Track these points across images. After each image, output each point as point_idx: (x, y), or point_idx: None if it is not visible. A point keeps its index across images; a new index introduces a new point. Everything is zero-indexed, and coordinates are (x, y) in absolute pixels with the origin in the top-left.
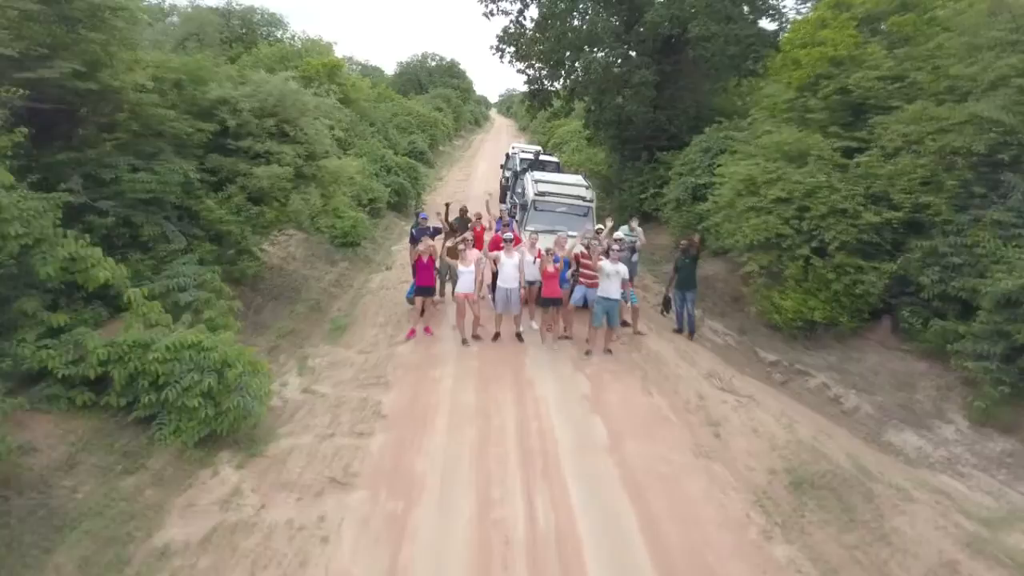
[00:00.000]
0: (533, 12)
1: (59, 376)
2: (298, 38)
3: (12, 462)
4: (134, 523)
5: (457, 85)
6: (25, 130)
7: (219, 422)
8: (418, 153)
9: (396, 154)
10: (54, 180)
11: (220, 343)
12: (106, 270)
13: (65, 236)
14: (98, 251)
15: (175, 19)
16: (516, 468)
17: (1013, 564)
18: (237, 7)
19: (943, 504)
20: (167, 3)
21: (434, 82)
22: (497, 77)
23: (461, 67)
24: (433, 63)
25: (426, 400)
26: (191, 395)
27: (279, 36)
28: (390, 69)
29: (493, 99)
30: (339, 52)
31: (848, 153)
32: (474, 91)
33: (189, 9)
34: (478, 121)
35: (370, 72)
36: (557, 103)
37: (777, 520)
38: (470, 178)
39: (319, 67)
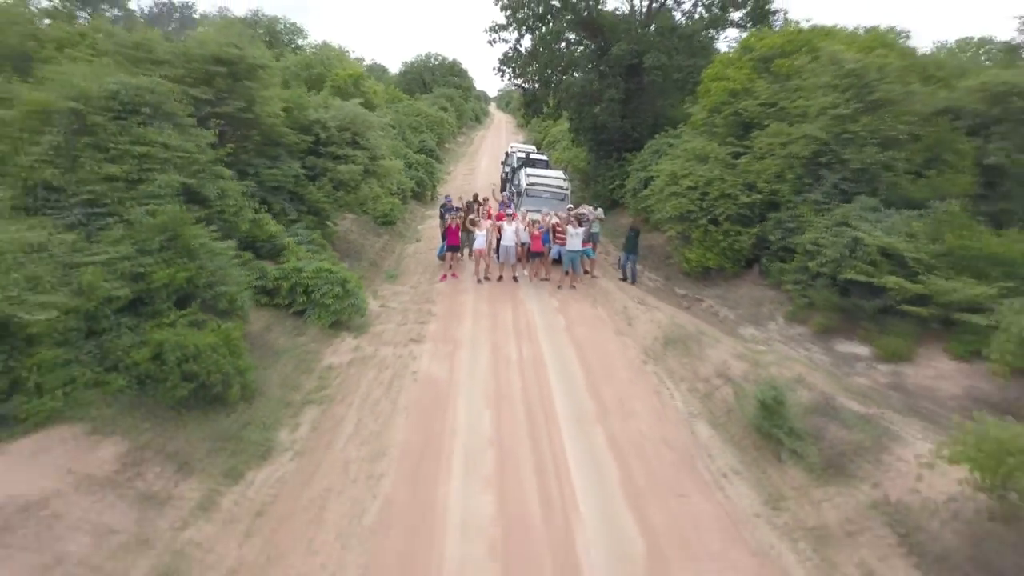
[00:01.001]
0: (527, 41)
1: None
2: (315, 45)
3: (250, 330)
4: (308, 356)
5: (458, 84)
6: (232, 145)
7: (342, 313)
8: (428, 150)
9: (413, 152)
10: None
11: (341, 269)
12: (272, 226)
13: (250, 207)
14: (268, 215)
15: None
16: (512, 335)
17: (756, 363)
18: (263, 17)
19: (738, 348)
20: (198, 13)
21: (437, 81)
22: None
23: (462, 66)
24: (436, 62)
25: (458, 309)
26: (326, 297)
27: (299, 43)
28: (392, 66)
29: (492, 92)
30: (350, 55)
31: (736, 156)
32: (474, 87)
33: (218, 17)
34: (478, 118)
35: (376, 71)
36: (547, 111)
37: (651, 356)
38: (474, 172)
39: (346, 78)
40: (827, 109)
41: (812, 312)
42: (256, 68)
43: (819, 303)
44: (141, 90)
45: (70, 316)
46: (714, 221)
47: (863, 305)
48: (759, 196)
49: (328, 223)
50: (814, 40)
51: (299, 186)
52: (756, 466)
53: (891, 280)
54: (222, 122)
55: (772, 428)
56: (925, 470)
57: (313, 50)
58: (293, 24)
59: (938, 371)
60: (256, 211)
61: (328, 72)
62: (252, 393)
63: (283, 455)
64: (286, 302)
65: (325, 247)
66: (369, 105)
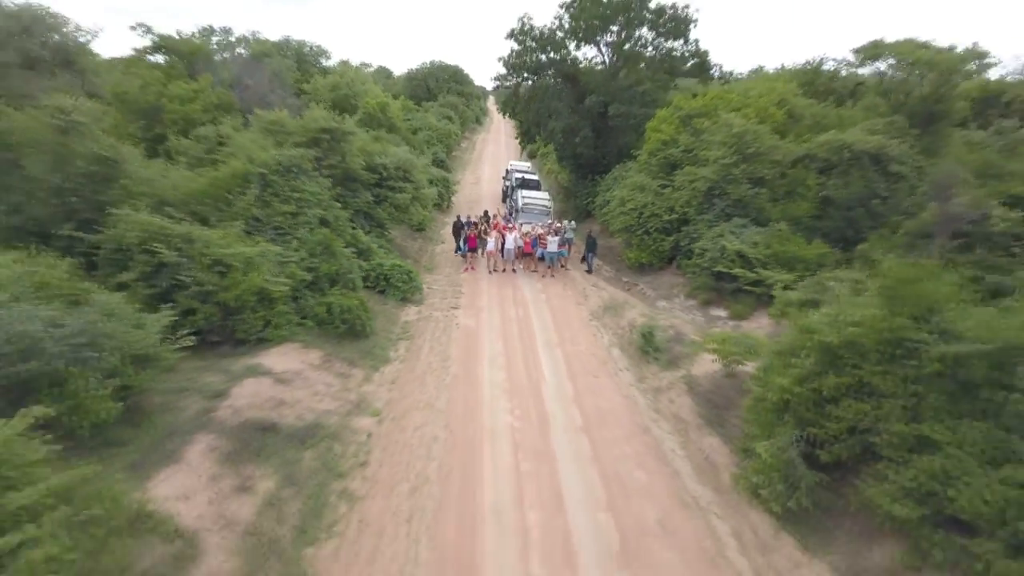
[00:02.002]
0: (523, 88)
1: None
2: (337, 65)
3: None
4: (392, 316)
5: (460, 91)
6: (338, 188)
7: (408, 292)
8: (440, 161)
9: (431, 164)
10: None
11: (405, 264)
12: (363, 237)
13: (349, 225)
14: (361, 232)
15: (243, 51)
16: (512, 304)
17: (651, 318)
18: (293, 42)
19: (646, 311)
20: (233, 37)
21: (440, 88)
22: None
23: (464, 71)
24: (436, 65)
25: (477, 290)
26: (398, 282)
27: (323, 63)
28: (391, 61)
29: (490, 86)
30: (356, 60)
31: (663, 187)
32: (473, 86)
33: (252, 39)
34: (478, 119)
35: (381, 74)
36: (538, 140)
37: (595, 316)
38: (480, 181)
39: (375, 107)
40: (718, 159)
41: (699, 291)
42: (347, 134)
43: (703, 286)
44: (293, 158)
45: (287, 289)
46: (647, 232)
47: (726, 287)
48: (675, 216)
49: (387, 233)
50: (720, 106)
51: (371, 209)
52: (636, 365)
53: (739, 271)
54: (328, 172)
55: (646, 347)
56: (709, 363)
57: (338, 71)
58: (318, 47)
59: (759, 324)
60: (352, 228)
61: (352, 92)
62: (372, 332)
63: (395, 360)
64: (374, 285)
65: (390, 250)
66: (394, 128)
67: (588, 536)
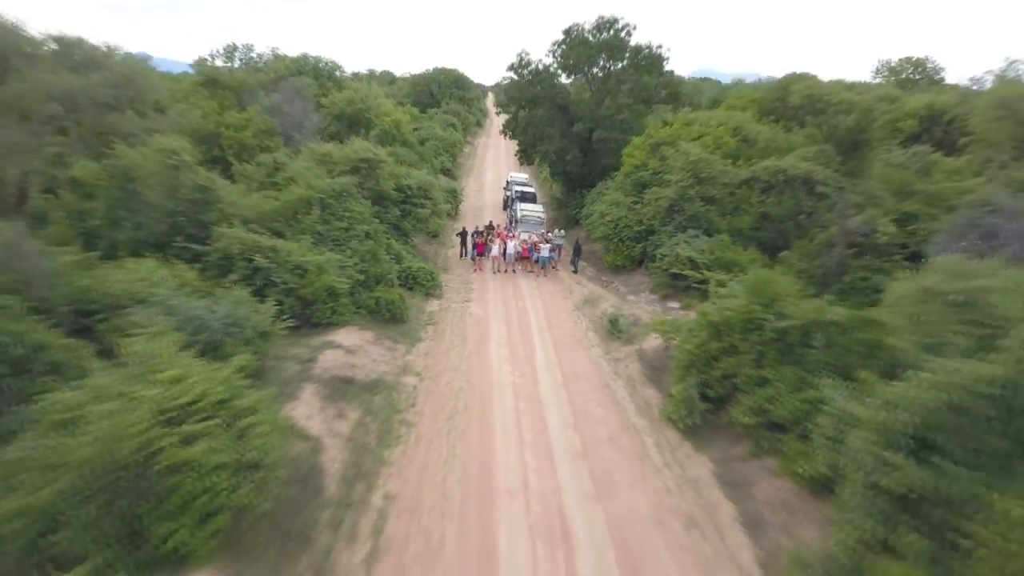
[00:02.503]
0: (521, 115)
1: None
2: (351, 77)
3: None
4: (419, 306)
5: (462, 96)
6: (375, 207)
7: (431, 289)
8: (446, 170)
9: (439, 172)
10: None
11: (429, 266)
12: (396, 245)
13: (385, 236)
14: (394, 241)
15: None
16: (512, 298)
17: (619, 308)
18: (310, 58)
19: (616, 303)
20: (254, 53)
21: (443, 93)
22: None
23: (465, 77)
24: (439, 70)
25: (485, 286)
26: (423, 280)
27: (337, 75)
28: (394, 65)
29: (489, 82)
30: (361, 66)
31: (634, 203)
32: (472, 85)
33: (272, 56)
34: (479, 121)
35: (384, 79)
36: (535, 158)
37: (578, 308)
38: (483, 189)
39: (390, 124)
40: (678, 182)
41: (660, 288)
42: (380, 162)
43: (663, 283)
44: (343, 184)
45: (347, 286)
46: (621, 240)
47: (680, 284)
48: (644, 227)
49: (411, 240)
50: (683, 135)
51: (399, 222)
52: (604, 342)
53: (689, 272)
54: (367, 195)
55: (612, 330)
56: (655, 340)
57: (352, 87)
58: (332, 62)
59: None
60: (388, 238)
61: (366, 106)
62: (407, 319)
63: (426, 339)
64: (404, 283)
65: (415, 255)
66: (407, 143)
67: (561, 443)
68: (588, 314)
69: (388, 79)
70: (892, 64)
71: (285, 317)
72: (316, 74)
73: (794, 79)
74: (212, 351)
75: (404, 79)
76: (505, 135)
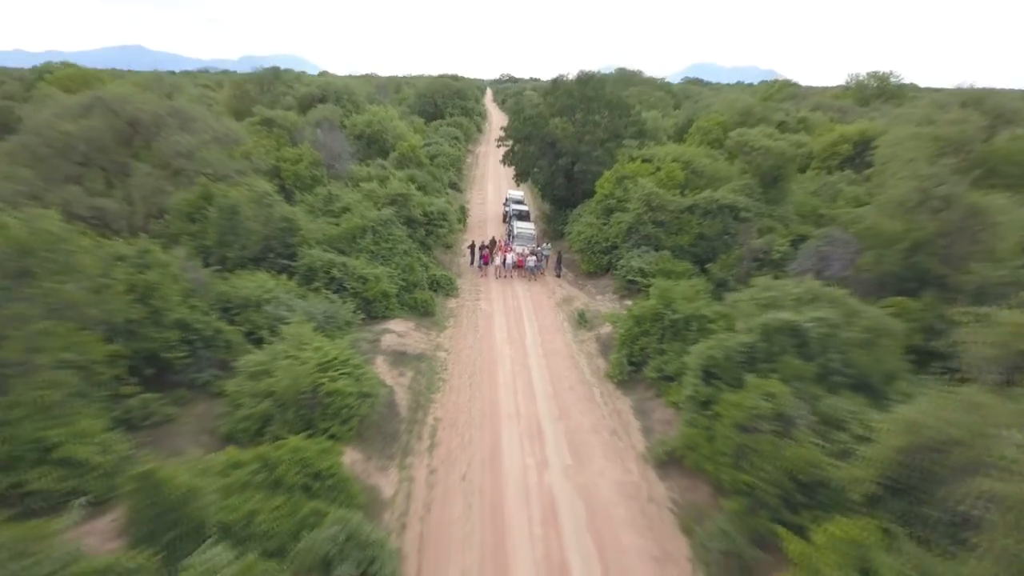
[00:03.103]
0: (516, 148)
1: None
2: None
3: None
4: (442, 304)
5: (464, 107)
6: (410, 229)
7: (450, 291)
8: (453, 184)
9: (448, 188)
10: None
11: (449, 273)
12: (424, 259)
13: (418, 252)
14: (423, 256)
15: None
16: (511, 298)
17: (588, 304)
18: (337, 85)
19: (586, 301)
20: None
21: (447, 103)
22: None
23: (466, 90)
24: (442, 82)
25: (490, 288)
26: (445, 284)
27: (356, 100)
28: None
29: (487, 78)
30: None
31: (603, 224)
32: (473, 94)
33: (298, 78)
34: (479, 126)
35: (391, 84)
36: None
37: (559, 305)
38: (485, 201)
39: (407, 149)
40: (634, 210)
41: (620, 290)
42: (411, 195)
43: (621, 287)
44: (387, 216)
45: (395, 291)
46: (593, 252)
47: (634, 287)
48: (609, 243)
49: (432, 253)
50: (642, 172)
51: (424, 239)
52: (574, 330)
53: (639, 279)
54: (403, 221)
55: (580, 321)
56: (608, 327)
57: (371, 111)
58: (347, 85)
59: None
60: (419, 254)
61: (383, 128)
62: (436, 313)
63: (450, 328)
64: (430, 286)
65: (436, 265)
66: (421, 164)
67: (540, 389)
68: (565, 309)
69: (394, 86)
70: (860, 77)
71: (357, 312)
72: (337, 98)
73: (779, 87)
74: (321, 334)
75: (410, 85)
76: (504, 163)
